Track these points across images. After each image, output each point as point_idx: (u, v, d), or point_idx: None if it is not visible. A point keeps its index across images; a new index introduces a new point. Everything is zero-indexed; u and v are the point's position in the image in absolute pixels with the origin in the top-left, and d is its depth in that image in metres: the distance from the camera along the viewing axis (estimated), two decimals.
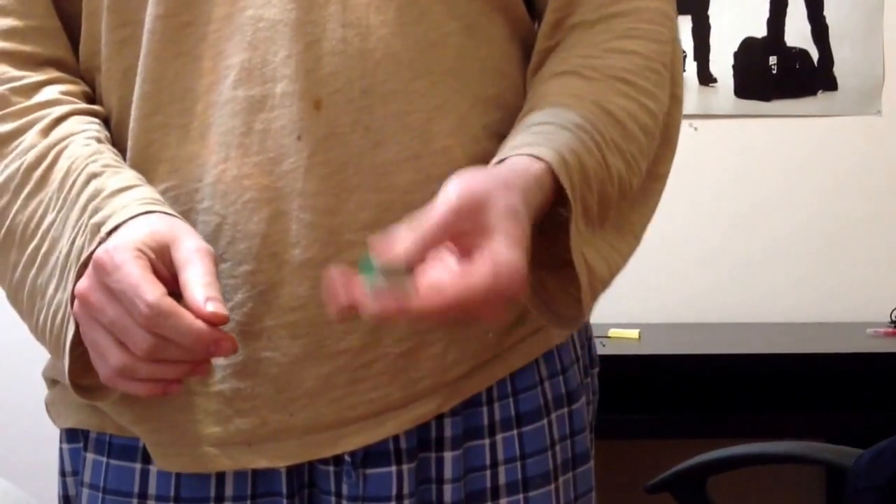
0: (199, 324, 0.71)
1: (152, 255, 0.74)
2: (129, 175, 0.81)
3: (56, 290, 0.79)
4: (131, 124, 0.84)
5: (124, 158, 0.85)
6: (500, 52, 0.89)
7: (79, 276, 0.76)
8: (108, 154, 0.82)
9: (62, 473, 0.94)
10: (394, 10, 0.82)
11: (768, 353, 2.31)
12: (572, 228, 0.79)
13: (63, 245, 0.79)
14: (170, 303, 0.71)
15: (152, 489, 0.87)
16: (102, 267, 0.73)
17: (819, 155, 2.65)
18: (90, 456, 0.90)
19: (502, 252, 0.70)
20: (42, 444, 1.87)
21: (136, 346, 0.72)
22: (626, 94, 0.85)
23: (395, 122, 0.82)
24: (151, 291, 0.71)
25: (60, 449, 0.94)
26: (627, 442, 2.44)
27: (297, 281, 0.81)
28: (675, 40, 0.91)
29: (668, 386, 2.24)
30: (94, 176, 0.80)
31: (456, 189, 0.72)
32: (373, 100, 0.81)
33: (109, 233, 0.75)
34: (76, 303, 0.75)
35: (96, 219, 0.77)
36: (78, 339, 0.77)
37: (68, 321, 0.77)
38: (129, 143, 0.84)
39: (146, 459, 0.87)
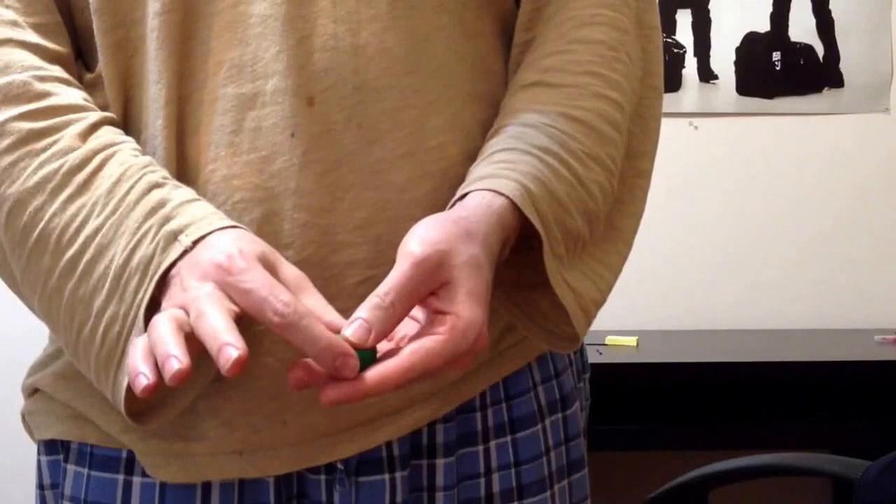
0: (333, 335, 0.70)
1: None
2: (189, 189, 0.81)
3: (108, 301, 0.78)
4: (149, 130, 0.84)
5: None
6: (489, 47, 0.90)
7: (159, 284, 0.76)
8: (161, 168, 0.82)
9: (40, 486, 0.95)
10: (385, 4, 0.84)
11: (772, 360, 2.31)
12: (547, 258, 0.80)
13: (115, 253, 0.78)
14: (305, 306, 0.71)
15: (135, 501, 0.87)
16: (226, 269, 0.73)
17: (824, 154, 2.66)
18: (71, 468, 0.90)
19: (462, 312, 0.72)
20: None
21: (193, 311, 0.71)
22: (596, 91, 0.86)
23: (388, 118, 0.83)
24: (287, 292, 0.71)
25: (38, 461, 0.95)
26: (626, 454, 2.44)
27: None
28: (651, 27, 0.93)
29: (667, 395, 2.24)
30: (155, 185, 0.79)
31: (419, 250, 0.73)
32: (366, 96, 0.83)
33: (195, 242, 0.75)
34: (169, 304, 0.74)
35: (171, 227, 0.77)
36: None
37: (129, 335, 0.76)
38: (147, 150, 0.84)
39: (129, 470, 0.88)
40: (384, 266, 0.83)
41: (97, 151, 0.81)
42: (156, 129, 0.84)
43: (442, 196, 0.85)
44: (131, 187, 0.80)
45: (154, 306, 0.76)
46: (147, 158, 0.83)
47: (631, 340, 2.37)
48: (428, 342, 0.72)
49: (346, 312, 0.83)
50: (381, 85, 0.83)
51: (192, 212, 0.78)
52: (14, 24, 0.86)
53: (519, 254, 0.83)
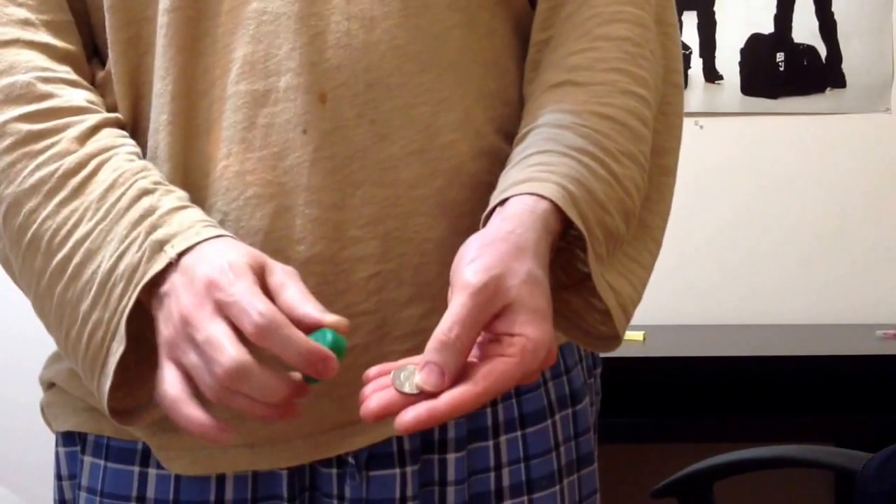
0: (309, 341, 0.69)
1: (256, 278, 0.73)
2: (181, 194, 0.80)
3: (93, 306, 0.77)
4: (152, 125, 0.84)
5: None
6: (502, 45, 0.89)
7: (143, 293, 0.75)
8: (156, 172, 0.81)
9: (58, 477, 0.94)
10: (398, 2, 0.83)
11: (776, 355, 2.29)
12: (591, 260, 0.78)
13: (102, 259, 0.77)
14: (283, 316, 0.70)
15: (151, 492, 0.87)
16: (216, 285, 0.71)
17: (827, 153, 2.65)
18: (88, 459, 0.90)
19: (530, 333, 0.70)
20: (38, 447, 1.87)
21: (220, 365, 0.69)
22: (624, 88, 0.85)
23: (400, 115, 0.82)
24: (265, 302, 0.70)
25: (57, 452, 0.94)
26: (632, 446, 2.43)
27: (303, 277, 0.79)
28: (670, 24, 0.91)
29: (673, 389, 2.23)
30: (146, 192, 0.78)
31: (475, 279, 0.70)
32: (378, 93, 0.82)
33: (181, 254, 0.74)
34: (170, 326, 0.73)
35: (157, 236, 0.76)
36: (123, 362, 0.76)
37: (111, 341, 0.76)
38: (149, 145, 0.84)
39: (145, 462, 0.87)
40: (393, 261, 0.82)
41: (93, 156, 0.80)
42: (159, 123, 0.83)
43: (451, 193, 0.84)
44: (122, 193, 0.78)
45: (139, 313, 0.76)
46: (142, 163, 0.81)
47: (638, 335, 2.37)
48: (500, 365, 0.70)
49: (356, 307, 0.82)
50: (393, 82, 0.82)
51: (180, 220, 0.77)
52: (25, 22, 0.85)
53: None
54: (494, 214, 0.78)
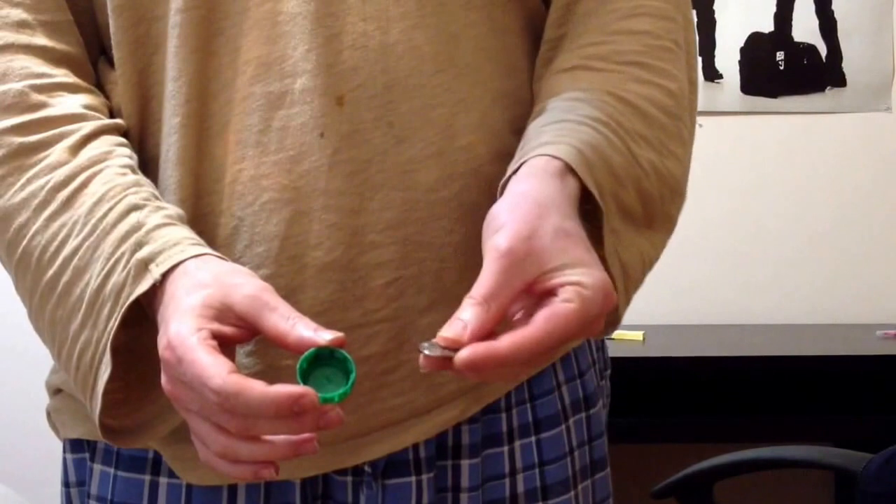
0: (273, 390, 0.66)
1: (214, 326, 0.70)
2: (171, 212, 0.78)
3: (82, 326, 0.76)
4: (164, 127, 0.82)
5: (143, 166, 0.83)
6: (515, 45, 0.88)
7: (125, 317, 0.74)
8: (148, 187, 0.79)
9: (66, 484, 0.93)
10: (414, 2, 0.81)
11: (775, 355, 2.30)
12: (606, 228, 0.76)
13: (91, 277, 0.76)
14: (235, 381, 0.66)
15: (162, 501, 0.86)
16: (168, 363, 0.70)
17: (827, 152, 2.65)
18: (97, 467, 0.88)
19: (579, 279, 0.69)
20: (42, 447, 1.85)
21: (229, 427, 0.68)
22: (640, 78, 0.83)
23: (418, 117, 0.81)
24: (215, 375, 0.67)
25: (64, 459, 0.93)
26: (632, 446, 2.42)
27: (320, 284, 0.80)
28: (686, 18, 0.89)
29: (672, 389, 2.23)
30: (135, 208, 0.76)
31: (504, 243, 0.69)
32: (396, 95, 0.80)
33: (165, 274, 0.73)
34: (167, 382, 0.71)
35: (142, 254, 0.74)
36: (111, 385, 0.74)
37: (99, 363, 0.75)
38: (161, 148, 0.82)
39: (155, 471, 0.86)
40: (412, 266, 0.81)
41: (84, 168, 0.79)
42: (172, 126, 0.81)
43: (471, 196, 0.82)
44: (111, 208, 0.77)
45: (138, 331, 0.75)
46: (134, 178, 0.79)
47: (637, 335, 2.37)
48: (559, 309, 0.68)
49: (374, 314, 0.81)
50: (410, 84, 0.81)
51: (165, 237, 0.75)
52: (21, 24, 0.83)
53: None
54: (510, 182, 0.76)
